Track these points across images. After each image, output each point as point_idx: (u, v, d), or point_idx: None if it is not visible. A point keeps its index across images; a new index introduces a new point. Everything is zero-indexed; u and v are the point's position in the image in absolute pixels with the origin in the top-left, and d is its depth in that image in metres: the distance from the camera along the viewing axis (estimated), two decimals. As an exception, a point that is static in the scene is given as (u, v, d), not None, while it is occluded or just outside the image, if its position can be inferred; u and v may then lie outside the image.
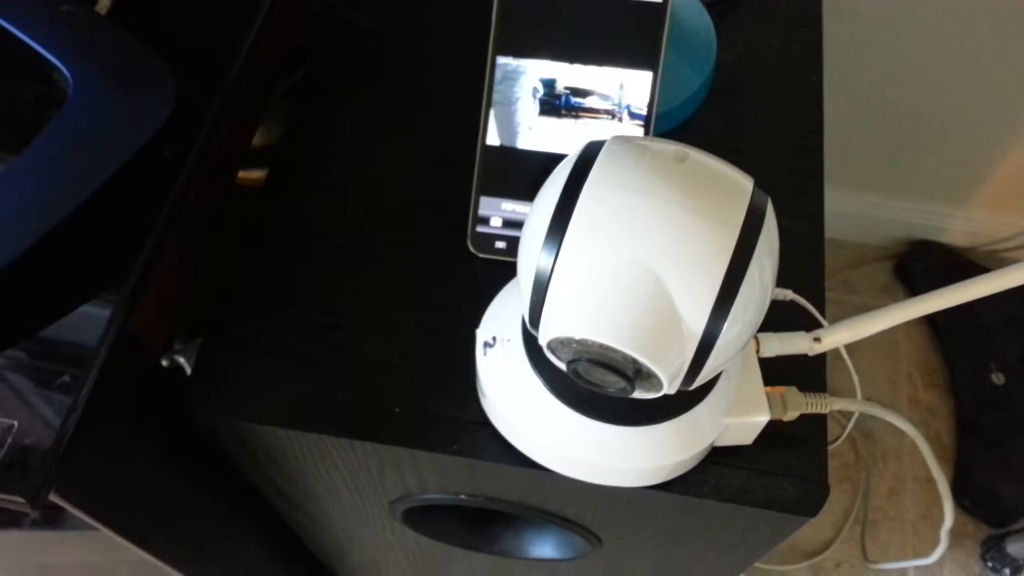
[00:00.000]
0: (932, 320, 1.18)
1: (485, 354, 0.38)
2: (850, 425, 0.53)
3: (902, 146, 1.07)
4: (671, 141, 0.31)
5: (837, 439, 0.54)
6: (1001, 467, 1.06)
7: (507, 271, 0.41)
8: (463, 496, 0.45)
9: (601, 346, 0.28)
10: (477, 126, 0.44)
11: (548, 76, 0.44)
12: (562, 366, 0.31)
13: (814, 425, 0.40)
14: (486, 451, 0.39)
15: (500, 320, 0.38)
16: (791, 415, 0.38)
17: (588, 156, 0.30)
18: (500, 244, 0.44)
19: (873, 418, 1.11)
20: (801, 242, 0.45)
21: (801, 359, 0.40)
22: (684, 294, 0.28)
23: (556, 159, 0.44)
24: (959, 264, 1.21)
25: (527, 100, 0.44)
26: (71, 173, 0.35)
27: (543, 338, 0.30)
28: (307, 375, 0.41)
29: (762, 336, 0.39)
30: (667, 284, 0.28)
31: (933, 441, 1.11)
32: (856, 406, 0.41)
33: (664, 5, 0.43)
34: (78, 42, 0.38)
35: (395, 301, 0.43)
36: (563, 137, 0.44)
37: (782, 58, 0.53)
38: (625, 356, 0.28)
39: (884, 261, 1.23)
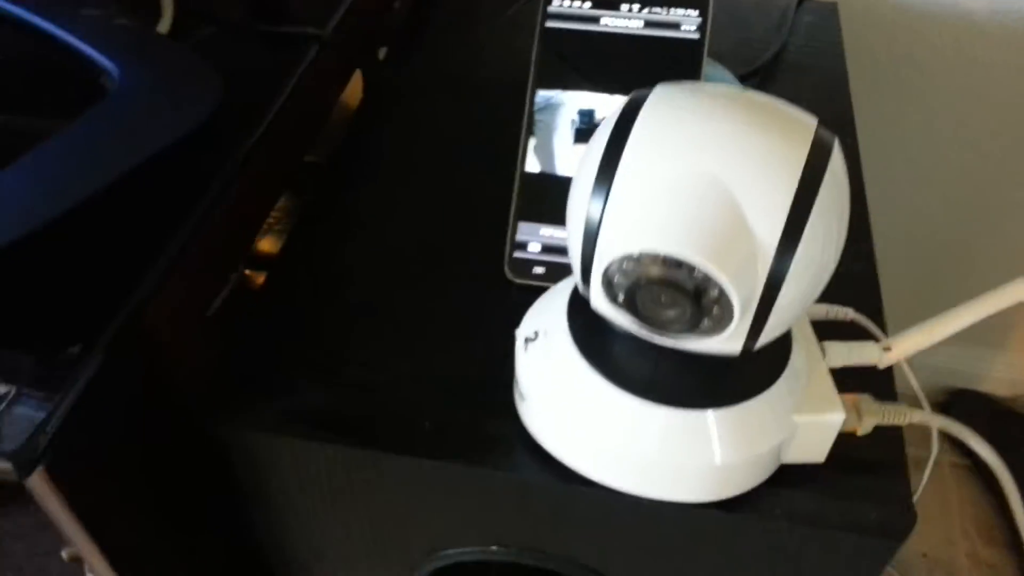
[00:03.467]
0: (984, 475, 1.11)
1: (526, 349, 0.35)
2: (934, 450, 0.47)
3: (935, 286, 1.06)
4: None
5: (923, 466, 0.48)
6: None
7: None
8: (494, 548, 0.40)
9: (665, 260, 0.25)
10: (513, 158, 0.44)
11: (587, 107, 0.44)
12: (618, 317, 0.28)
13: (890, 443, 0.36)
14: (522, 466, 0.35)
15: (542, 316, 0.35)
16: (867, 425, 0.34)
17: (639, 95, 0.29)
18: (539, 269, 0.42)
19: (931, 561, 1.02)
20: (856, 280, 0.43)
21: (867, 375, 0.36)
22: (755, 206, 0.25)
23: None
24: (1002, 414, 1.15)
25: (565, 129, 0.44)
26: (111, 148, 0.35)
27: (599, 266, 0.27)
28: (332, 388, 0.38)
29: (828, 344, 0.36)
30: (736, 195, 0.25)
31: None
32: (936, 421, 0.37)
33: (701, 41, 0.44)
34: (127, 44, 0.39)
35: (427, 323, 0.41)
36: (603, 164, 0.43)
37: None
38: (691, 268, 0.25)
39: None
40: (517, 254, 0.43)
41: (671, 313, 0.26)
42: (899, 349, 0.36)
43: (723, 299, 0.26)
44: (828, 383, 0.34)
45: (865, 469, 0.35)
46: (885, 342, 0.36)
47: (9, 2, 0.41)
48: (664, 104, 0.28)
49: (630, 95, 0.29)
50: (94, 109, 0.36)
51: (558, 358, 0.33)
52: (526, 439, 0.36)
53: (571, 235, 0.29)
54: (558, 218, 0.43)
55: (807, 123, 0.28)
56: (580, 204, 0.28)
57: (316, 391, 0.38)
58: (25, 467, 0.29)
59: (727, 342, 0.27)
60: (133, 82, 0.37)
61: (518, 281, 0.42)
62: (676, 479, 0.32)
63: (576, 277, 0.30)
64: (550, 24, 0.45)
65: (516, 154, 0.44)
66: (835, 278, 0.33)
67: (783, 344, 0.33)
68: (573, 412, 0.33)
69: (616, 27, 0.45)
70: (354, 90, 0.55)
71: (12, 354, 0.32)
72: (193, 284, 0.38)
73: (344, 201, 0.47)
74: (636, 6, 0.44)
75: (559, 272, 0.42)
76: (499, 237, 0.44)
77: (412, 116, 0.53)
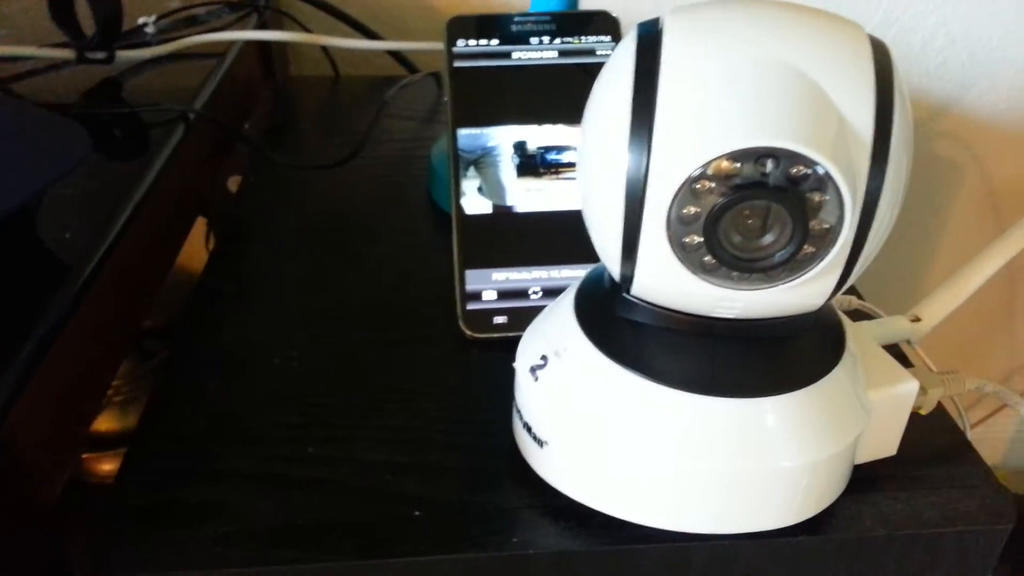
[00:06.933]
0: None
1: (537, 379, 0.28)
2: (966, 421, 0.42)
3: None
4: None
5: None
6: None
7: (513, 351, 0.31)
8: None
9: (756, 157, 0.20)
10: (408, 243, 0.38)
11: (518, 139, 0.40)
12: (679, 284, 0.22)
13: (941, 423, 0.32)
14: (557, 534, 0.27)
15: (546, 338, 0.29)
16: (931, 399, 0.30)
17: (646, 22, 0.24)
18: (500, 319, 0.36)
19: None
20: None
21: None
22: (841, 88, 0.21)
23: (543, 217, 0.38)
24: None
25: (503, 164, 0.39)
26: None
27: (658, 209, 0.21)
28: (278, 497, 0.29)
29: (858, 325, 0.32)
30: (817, 78, 0.21)
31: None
32: (991, 386, 0.33)
33: (619, 64, 0.41)
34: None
35: (382, 400, 0.33)
36: (546, 195, 0.39)
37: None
38: (788, 155, 0.20)
39: None
40: (471, 306, 0.36)
41: (768, 238, 0.21)
42: (928, 316, 0.32)
43: (829, 202, 0.21)
44: (885, 357, 0.29)
45: (934, 456, 0.31)
46: (911, 313, 0.33)
47: None
48: (689, 13, 0.23)
49: (636, 26, 0.24)
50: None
51: (585, 375, 0.27)
52: (549, 502, 0.28)
53: (598, 203, 0.24)
54: (510, 259, 0.37)
55: (856, 23, 0.24)
56: (609, 158, 0.23)
57: (256, 501, 0.28)
58: None
59: (822, 279, 0.22)
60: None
61: (479, 336, 0.36)
62: (756, 498, 0.26)
63: (611, 260, 0.24)
64: (459, 64, 0.41)
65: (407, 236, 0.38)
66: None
67: (834, 321, 0.28)
68: (616, 437, 0.26)
69: (529, 60, 0.41)
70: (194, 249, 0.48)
71: None
72: (68, 388, 0.28)
73: (241, 274, 0.39)
74: (546, 38, 0.42)
75: (524, 319, 0.36)
76: (438, 299, 0.37)
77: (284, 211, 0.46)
